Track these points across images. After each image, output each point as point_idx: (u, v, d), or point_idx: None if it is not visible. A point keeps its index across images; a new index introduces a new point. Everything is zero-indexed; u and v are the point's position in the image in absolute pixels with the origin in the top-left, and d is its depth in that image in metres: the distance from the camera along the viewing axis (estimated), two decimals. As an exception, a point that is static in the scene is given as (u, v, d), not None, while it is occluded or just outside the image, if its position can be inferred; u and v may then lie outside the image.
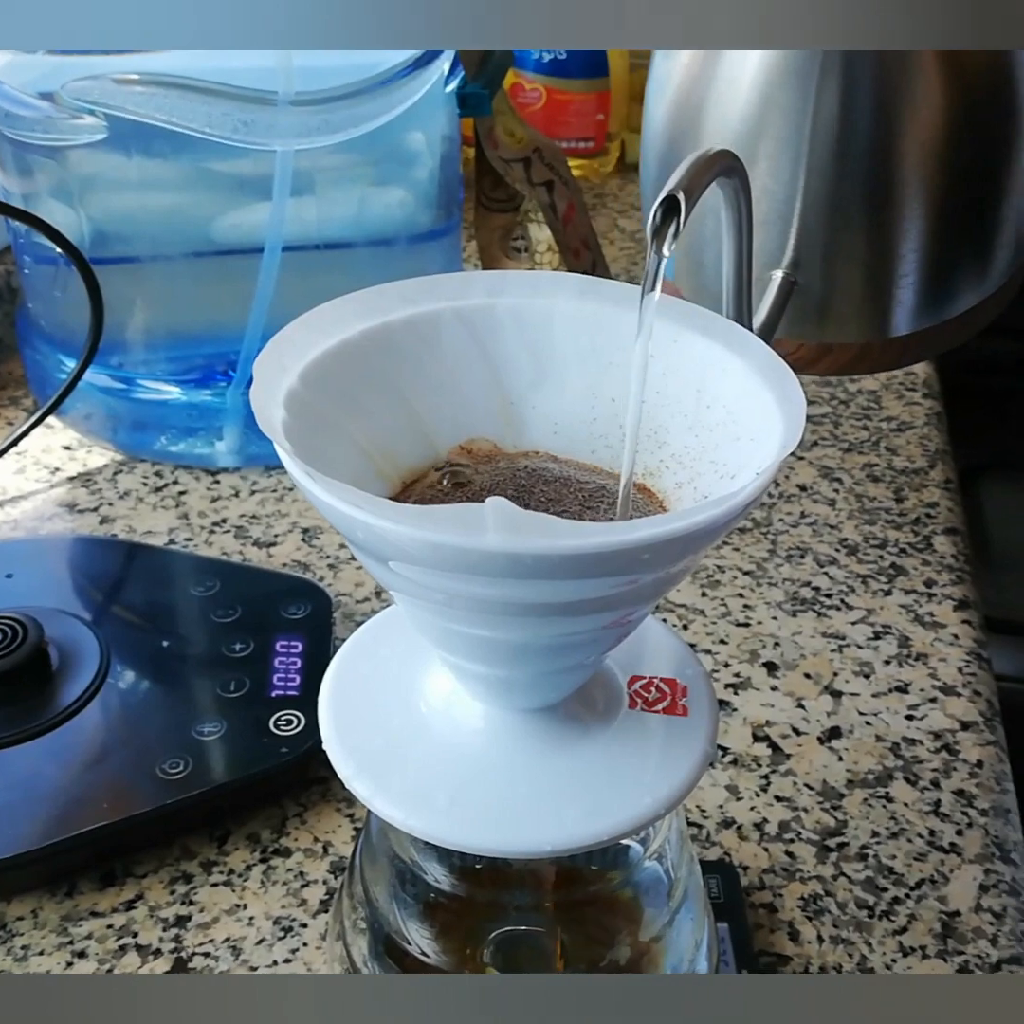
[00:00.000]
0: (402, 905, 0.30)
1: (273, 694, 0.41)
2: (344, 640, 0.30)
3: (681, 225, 0.25)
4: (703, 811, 0.41)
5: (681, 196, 0.25)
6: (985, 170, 0.42)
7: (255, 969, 0.36)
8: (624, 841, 0.29)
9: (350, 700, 0.28)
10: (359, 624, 0.47)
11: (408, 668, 0.29)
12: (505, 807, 0.26)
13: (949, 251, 0.42)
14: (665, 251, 0.25)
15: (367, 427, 0.27)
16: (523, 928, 0.31)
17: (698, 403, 0.27)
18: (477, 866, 0.29)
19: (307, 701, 0.41)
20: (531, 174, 0.61)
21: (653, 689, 0.28)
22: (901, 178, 0.41)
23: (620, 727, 0.27)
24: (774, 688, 0.46)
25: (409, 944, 0.30)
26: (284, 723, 0.40)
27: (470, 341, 0.28)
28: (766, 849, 0.39)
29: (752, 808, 0.41)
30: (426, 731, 0.27)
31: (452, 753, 0.27)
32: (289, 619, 0.45)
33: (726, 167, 0.30)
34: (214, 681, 0.42)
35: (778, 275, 0.41)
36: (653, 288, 0.25)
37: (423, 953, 0.30)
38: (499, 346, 0.28)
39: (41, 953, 0.36)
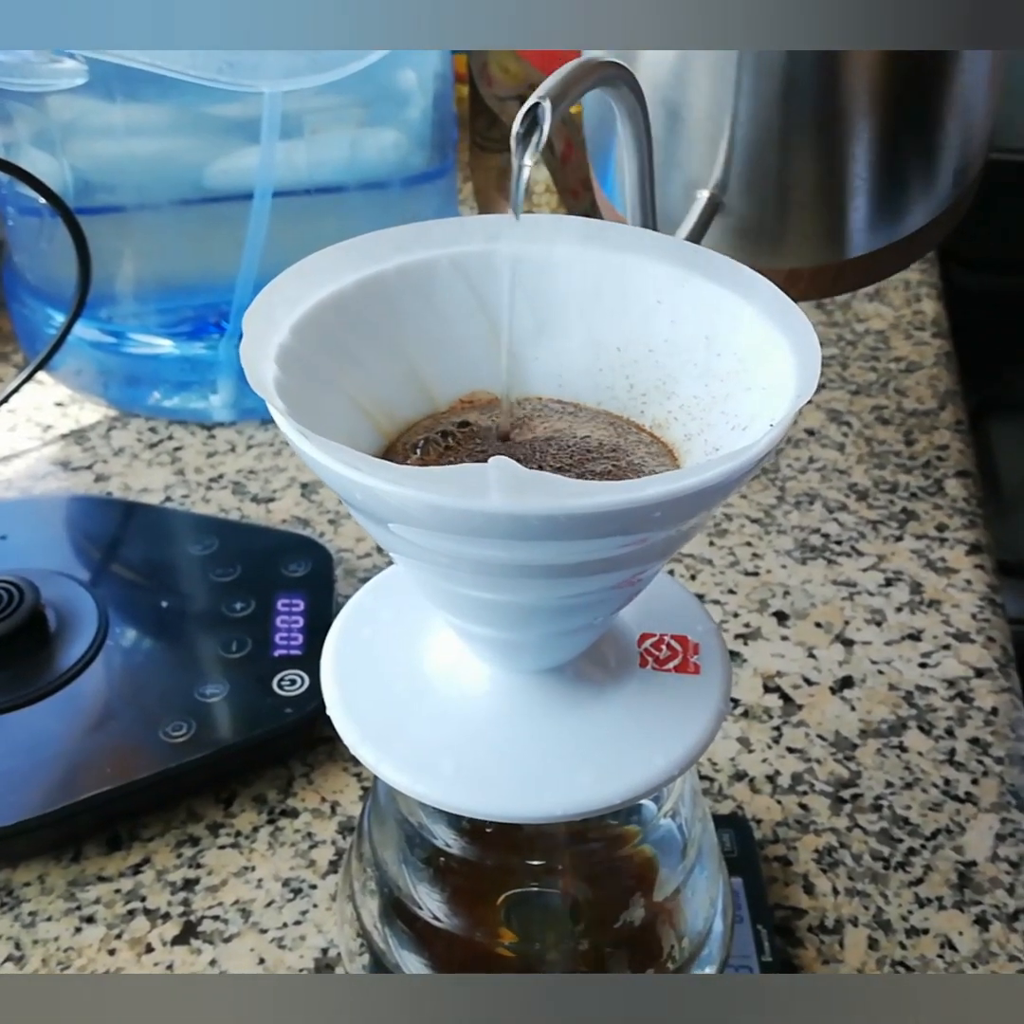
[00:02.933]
0: (412, 868, 0.30)
1: (276, 654, 0.41)
2: (346, 597, 0.29)
3: (543, 134, 0.25)
4: (714, 764, 0.40)
5: (547, 104, 0.25)
6: (928, 83, 0.40)
7: (265, 932, 0.35)
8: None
9: (353, 664, 0.27)
10: (361, 580, 0.47)
11: (411, 630, 0.28)
12: (514, 771, 0.25)
13: (898, 167, 0.41)
14: (527, 160, 0.25)
15: (363, 381, 0.25)
16: (536, 889, 0.30)
17: (707, 351, 0.26)
18: (487, 829, 0.29)
19: (310, 660, 0.40)
20: (527, 112, 0.59)
21: (664, 647, 0.28)
22: (843, 94, 0.39)
23: (631, 687, 0.27)
24: (785, 638, 0.45)
25: (420, 908, 0.29)
26: (288, 683, 0.40)
27: (467, 290, 0.27)
28: (779, 801, 0.39)
29: (764, 760, 0.40)
30: (432, 694, 0.27)
31: (459, 716, 0.26)
32: (290, 577, 0.44)
33: (608, 76, 0.29)
34: (215, 641, 0.41)
35: (704, 195, 0.40)
36: (518, 197, 0.25)
37: (434, 917, 0.29)
38: (497, 295, 0.27)
39: (49, 919, 0.36)
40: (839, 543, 0.49)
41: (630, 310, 0.27)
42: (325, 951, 0.35)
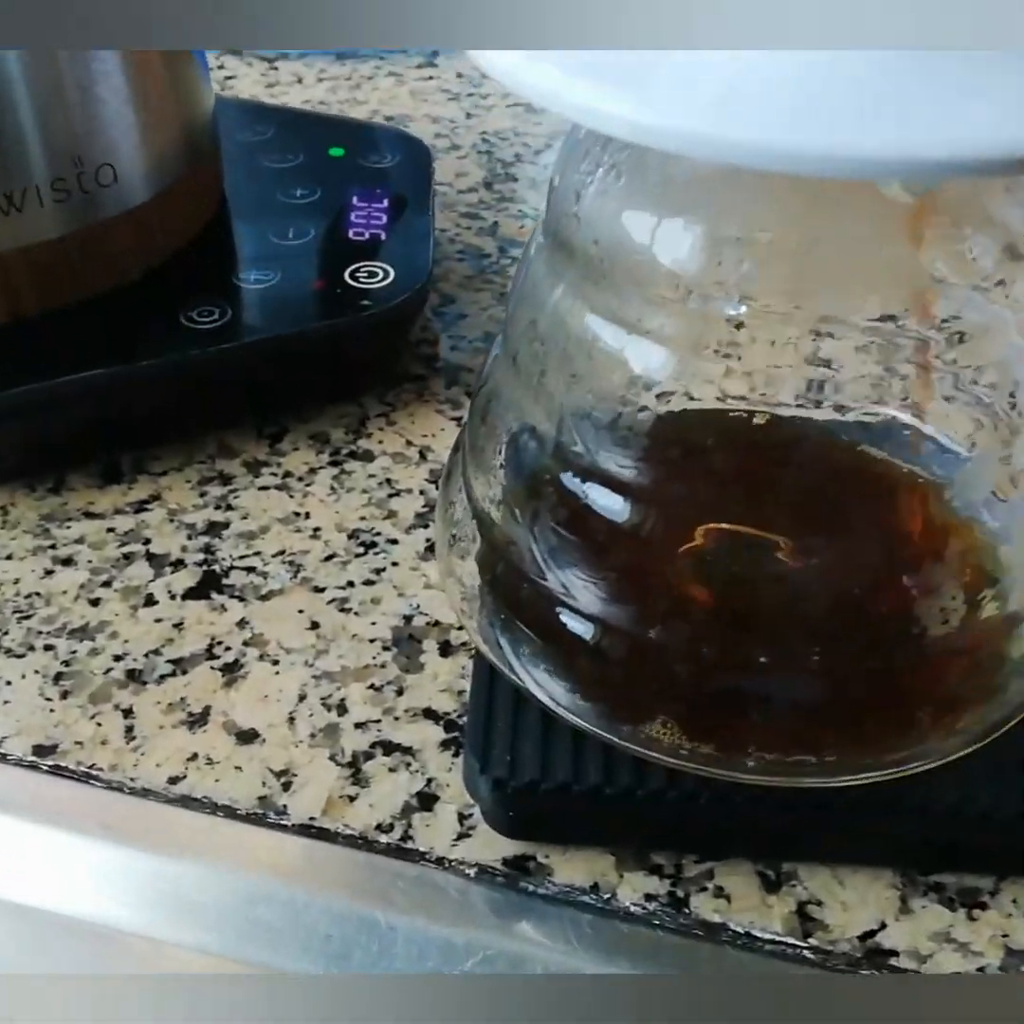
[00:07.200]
0: (542, 528, 0.18)
1: (350, 238, 0.29)
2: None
3: None
4: None
5: None
6: None
7: (321, 590, 0.24)
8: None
9: None
10: (462, 214, 0.35)
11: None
12: (838, 93, 0.13)
13: None
14: None
15: None
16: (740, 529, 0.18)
17: None
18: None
19: (396, 254, 0.28)
20: None
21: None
22: None
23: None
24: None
25: (545, 575, 0.18)
26: (364, 275, 0.28)
27: None
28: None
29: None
30: None
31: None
32: (372, 168, 0.32)
33: None
34: (263, 228, 0.29)
35: None
36: None
37: (565, 590, 0.18)
38: None
39: (8, 557, 0.25)
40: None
41: None
42: (408, 619, 0.23)
